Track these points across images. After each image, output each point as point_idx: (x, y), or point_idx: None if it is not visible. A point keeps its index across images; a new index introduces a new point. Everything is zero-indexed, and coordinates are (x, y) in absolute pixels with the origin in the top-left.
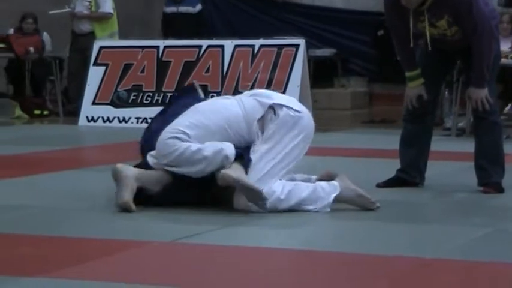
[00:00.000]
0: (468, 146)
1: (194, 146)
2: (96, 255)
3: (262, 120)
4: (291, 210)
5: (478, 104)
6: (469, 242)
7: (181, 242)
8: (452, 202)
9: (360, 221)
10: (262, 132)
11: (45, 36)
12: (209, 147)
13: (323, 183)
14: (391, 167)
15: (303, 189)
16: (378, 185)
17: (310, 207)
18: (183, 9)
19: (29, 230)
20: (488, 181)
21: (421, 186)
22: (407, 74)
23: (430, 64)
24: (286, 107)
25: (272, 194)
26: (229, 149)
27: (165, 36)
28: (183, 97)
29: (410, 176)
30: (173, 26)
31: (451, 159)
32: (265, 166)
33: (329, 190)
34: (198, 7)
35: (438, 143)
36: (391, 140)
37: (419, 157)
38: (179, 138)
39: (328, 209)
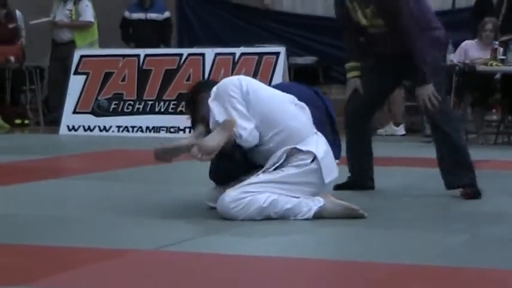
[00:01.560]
0: None
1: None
2: (79, 264)
3: (291, 152)
4: (274, 218)
5: (426, 102)
6: (447, 248)
7: (164, 250)
8: (430, 208)
9: (339, 228)
10: (279, 162)
11: (19, 15)
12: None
13: (309, 199)
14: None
15: (288, 201)
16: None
17: (291, 218)
18: (153, 15)
19: (11, 240)
20: (462, 184)
21: (372, 189)
22: (348, 64)
23: (377, 72)
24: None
25: (256, 201)
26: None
27: (126, 42)
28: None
29: (362, 180)
30: (137, 33)
31: (430, 165)
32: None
33: (313, 204)
34: (166, 14)
35: (418, 150)
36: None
37: (368, 160)
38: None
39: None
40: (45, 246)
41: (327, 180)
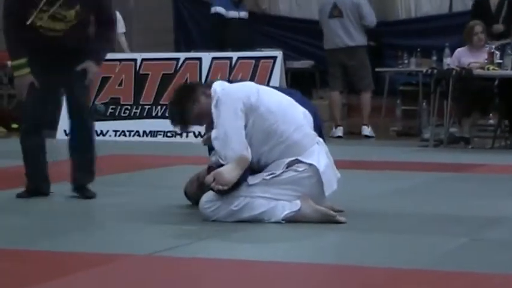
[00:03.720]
0: (445, 156)
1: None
2: (75, 269)
3: (292, 163)
4: (269, 222)
5: (93, 79)
6: (444, 252)
7: (159, 256)
8: (427, 212)
9: (335, 232)
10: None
11: None
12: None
13: (286, 203)
14: (364, 178)
15: (263, 204)
16: (19, 195)
17: (266, 220)
18: (243, 14)
19: (8, 245)
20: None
21: (49, 194)
22: (15, 62)
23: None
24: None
25: (228, 204)
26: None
27: (221, 46)
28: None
29: (39, 185)
30: (229, 33)
31: (427, 169)
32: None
33: (288, 208)
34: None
35: (416, 154)
36: (365, 151)
37: (44, 167)
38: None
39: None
40: (40, 251)
41: (327, 193)
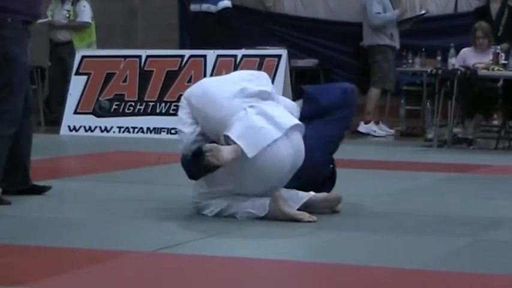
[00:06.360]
0: (449, 157)
1: None
2: (80, 264)
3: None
4: (273, 219)
5: None
6: (448, 252)
7: (164, 252)
8: (431, 212)
9: (341, 232)
10: None
11: None
12: None
13: (259, 203)
14: (367, 178)
15: (231, 206)
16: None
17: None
18: (206, 6)
19: (13, 240)
20: None
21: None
22: None
23: None
24: None
25: (204, 209)
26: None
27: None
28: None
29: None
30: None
31: (431, 170)
32: None
33: (256, 212)
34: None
35: (419, 154)
36: (367, 150)
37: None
38: None
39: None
40: (44, 246)
41: (250, 155)
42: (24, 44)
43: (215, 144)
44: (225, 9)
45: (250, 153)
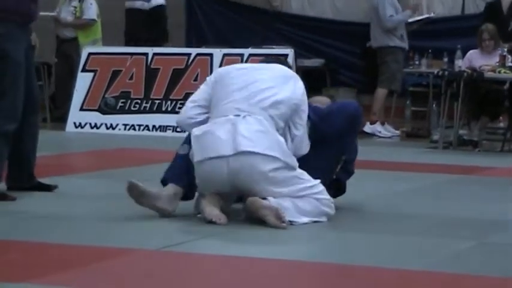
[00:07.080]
0: (455, 158)
1: None
2: (82, 262)
3: None
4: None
5: None
6: (453, 254)
7: (166, 251)
8: (435, 214)
9: (344, 233)
10: None
11: (34, 36)
12: None
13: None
14: (372, 178)
15: None
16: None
17: None
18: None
19: (17, 236)
20: None
21: None
22: None
23: None
24: None
25: None
26: None
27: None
28: None
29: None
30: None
31: (436, 171)
32: None
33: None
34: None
35: (425, 155)
36: (373, 151)
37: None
38: None
39: None
40: (48, 243)
41: (194, 160)
42: (19, 41)
43: None
44: (158, 6)
45: (194, 158)
